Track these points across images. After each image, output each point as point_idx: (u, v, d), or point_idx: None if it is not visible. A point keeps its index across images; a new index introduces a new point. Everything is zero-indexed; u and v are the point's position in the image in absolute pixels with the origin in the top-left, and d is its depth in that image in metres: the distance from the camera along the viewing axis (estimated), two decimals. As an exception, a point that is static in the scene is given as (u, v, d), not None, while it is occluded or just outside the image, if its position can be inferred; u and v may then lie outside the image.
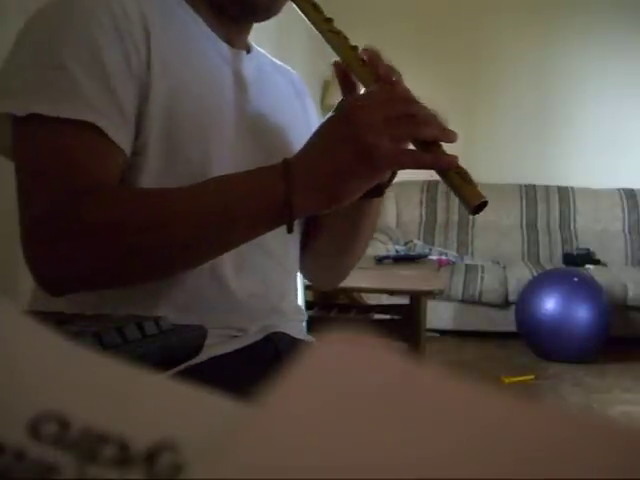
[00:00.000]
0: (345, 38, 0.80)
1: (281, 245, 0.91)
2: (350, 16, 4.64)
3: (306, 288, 1.95)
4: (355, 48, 0.79)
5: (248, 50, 0.94)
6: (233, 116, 0.86)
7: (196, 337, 0.58)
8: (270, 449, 0.16)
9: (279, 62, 1.06)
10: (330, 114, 0.74)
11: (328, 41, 0.80)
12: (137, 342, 0.49)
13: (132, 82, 0.76)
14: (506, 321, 3.86)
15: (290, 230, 0.71)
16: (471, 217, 4.59)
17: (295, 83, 1.05)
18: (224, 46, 0.89)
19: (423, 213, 4.55)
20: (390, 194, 4.48)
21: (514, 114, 4.75)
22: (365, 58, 0.78)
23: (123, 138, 0.76)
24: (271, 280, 0.90)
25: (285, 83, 1.02)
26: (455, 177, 0.70)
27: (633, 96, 4.67)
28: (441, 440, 0.16)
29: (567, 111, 4.74)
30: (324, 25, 0.81)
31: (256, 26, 0.94)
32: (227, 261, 0.82)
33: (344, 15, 5.08)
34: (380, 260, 2.88)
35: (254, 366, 0.81)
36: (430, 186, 4.58)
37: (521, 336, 3.71)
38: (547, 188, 4.65)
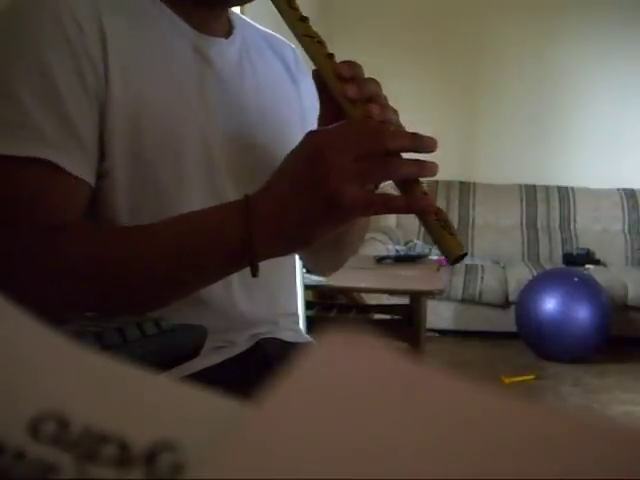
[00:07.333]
0: (320, 44, 0.72)
1: None
2: (351, 16, 4.66)
3: (306, 288, 1.94)
4: (332, 57, 0.72)
5: (228, 34, 0.87)
6: (204, 125, 0.80)
7: (196, 337, 0.58)
8: (270, 449, 0.16)
9: (273, 34, 0.97)
10: (297, 147, 0.67)
11: (303, 46, 0.73)
12: (137, 342, 0.49)
13: (90, 104, 0.72)
14: (506, 321, 3.86)
15: (255, 274, 0.67)
16: (471, 217, 4.59)
17: (288, 61, 0.95)
18: (195, 35, 0.82)
19: (423, 213, 4.54)
20: (390, 194, 4.48)
21: (514, 114, 4.75)
22: (343, 73, 0.70)
23: (83, 168, 0.72)
24: (261, 287, 0.85)
25: (278, 63, 0.94)
26: (435, 225, 0.67)
27: (633, 96, 4.67)
28: (441, 440, 0.16)
29: (567, 111, 4.74)
30: (299, 26, 0.73)
31: (253, 7, 0.86)
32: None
33: (345, 15, 5.04)
34: (380, 260, 2.88)
35: (243, 376, 0.79)
36: (429, 186, 4.58)
37: (521, 336, 3.71)
38: (547, 188, 4.65)
